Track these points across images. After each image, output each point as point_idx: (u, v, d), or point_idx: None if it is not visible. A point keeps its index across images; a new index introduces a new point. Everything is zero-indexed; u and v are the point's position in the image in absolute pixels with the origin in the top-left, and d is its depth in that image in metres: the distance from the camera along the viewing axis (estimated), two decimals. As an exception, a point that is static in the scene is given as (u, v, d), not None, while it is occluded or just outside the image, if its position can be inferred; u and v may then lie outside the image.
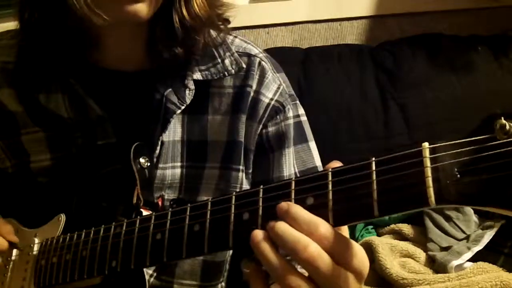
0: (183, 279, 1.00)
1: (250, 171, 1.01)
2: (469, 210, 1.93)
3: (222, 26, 0.99)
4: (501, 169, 0.48)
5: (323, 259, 0.59)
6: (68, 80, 0.96)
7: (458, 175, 0.51)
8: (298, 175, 1.02)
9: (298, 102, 1.05)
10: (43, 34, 0.93)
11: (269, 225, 0.61)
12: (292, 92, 1.05)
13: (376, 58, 2.16)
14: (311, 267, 0.59)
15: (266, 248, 0.61)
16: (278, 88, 1.02)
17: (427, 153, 0.53)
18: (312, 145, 1.05)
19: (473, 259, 1.70)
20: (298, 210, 0.60)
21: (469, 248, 1.75)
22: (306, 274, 0.62)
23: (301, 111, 1.05)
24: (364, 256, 0.62)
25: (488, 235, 1.81)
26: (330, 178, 0.59)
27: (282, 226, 0.60)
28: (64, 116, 0.96)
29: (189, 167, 0.99)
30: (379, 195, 0.55)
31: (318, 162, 1.05)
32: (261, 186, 0.65)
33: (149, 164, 0.94)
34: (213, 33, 0.98)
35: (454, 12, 2.35)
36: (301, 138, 1.03)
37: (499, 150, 0.49)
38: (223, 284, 1.04)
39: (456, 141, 0.52)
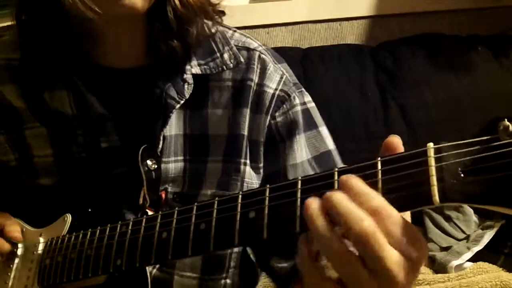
0: (184, 271, 1.01)
1: (261, 164, 1.01)
2: (469, 210, 1.93)
3: (216, 16, 0.99)
4: (503, 168, 0.49)
5: (376, 237, 0.54)
6: (71, 77, 0.97)
7: (462, 175, 0.51)
8: (312, 161, 1.02)
9: (303, 90, 1.05)
10: (41, 33, 0.94)
11: (326, 195, 0.58)
12: (296, 80, 1.05)
13: (376, 58, 2.17)
14: (362, 243, 0.54)
15: (319, 218, 0.57)
16: (281, 78, 1.02)
17: (431, 152, 0.54)
18: (323, 130, 1.05)
19: (473, 259, 1.71)
20: (355, 181, 0.57)
21: (469, 248, 1.76)
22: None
23: (308, 98, 1.05)
24: (423, 244, 0.57)
25: (488, 235, 1.82)
26: (336, 177, 0.60)
27: (338, 196, 0.57)
28: (69, 113, 0.97)
29: (192, 161, 1.00)
30: (384, 194, 0.56)
31: (331, 145, 1.04)
32: (268, 186, 0.65)
33: (156, 166, 0.95)
34: (208, 24, 0.99)
35: (454, 12, 2.36)
36: (310, 125, 1.03)
37: (502, 150, 0.49)
38: (227, 280, 1.04)
39: (460, 142, 0.52)
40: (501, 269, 1.63)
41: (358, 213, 0.55)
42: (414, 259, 0.56)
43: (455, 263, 1.69)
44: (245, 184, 1.00)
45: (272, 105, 1.00)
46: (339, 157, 1.05)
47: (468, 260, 1.71)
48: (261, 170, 1.01)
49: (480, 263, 1.65)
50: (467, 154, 0.52)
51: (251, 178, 1.01)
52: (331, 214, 0.57)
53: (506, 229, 1.86)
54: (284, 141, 1.01)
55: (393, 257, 0.55)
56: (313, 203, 0.58)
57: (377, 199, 0.56)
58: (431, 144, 0.54)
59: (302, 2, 2.22)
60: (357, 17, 2.29)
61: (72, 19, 0.89)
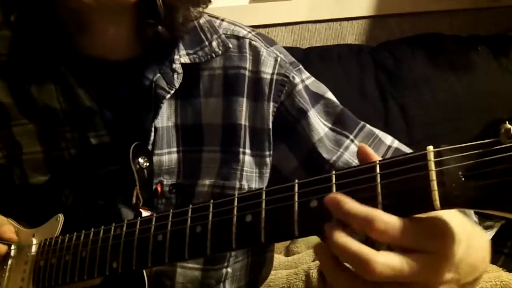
0: (187, 262, 1.01)
1: (267, 152, 1.01)
2: (469, 210, 1.92)
3: (202, 4, 0.99)
4: (505, 173, 0.48)
5: (393, 268, 0.54)
6: (59, 68, 0.96)
7: (463, 179, 0.50)
8: (335, 127, 1.02)
9: (301, 67, 1.05)
10: (30, 24, 0.93)
11: (331, 238, 0.57)
12: (292, 59, 1.05)
13: (376, 58, 2.16)
14: (385, 280, 0.54)
15: (328, 261, 0.58)
16: (276, 60, 1.02)
17: (431, 156, 0.52)
18: (329, 95, 1.05)
19: (473, 259, 1.70)
20: (348, 208, 0.56)
21: (469, 248, 1.75)
22: None
23: (306, 74, 1.05)
24: (438, 231, 0.56)
25: (488, 235, 1.81)
26: (334, 180, 0.59)
27: (342, 239, 0.56)
28: (56, 107, 0.97)
29: (186, 151, 0.99)
30: (383, 198, 0.55)
31: (340, 105, 1.05)
32: (264, 189, 0.64)
33: (148, 164, 0.94)
34: (194, 12, 0.99)
35: (454, 12, 2.36)
36: (316, 98, 1.03)
37: (503, 155, 0.48)
38: (228, 269, 1.05)
39: (461, 145, 0.51)
40: (501, 269, 1.62)
41: (361, 255, 0.54)
42: (437, 249, 0.56)
43: (455, 263, 1.67)
44: (244, 173, 1.00)
45: (273, 91, 1.00)
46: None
47: (468, 261, 1.70)
48: (267, 160, 1.01)
49: (480, 263, 1.64)
50: (468, 158, 0.50)
51: (250, 167, 1.01)
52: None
53: (506, 229, 1.85)
54: (300, 121, 1.01)
55: (414, 266, 0.55)
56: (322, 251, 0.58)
57: (378, 219, 0.54)
58: (430, 147, 0.53)
59: (302, 2, 2.21)
60: (357, 17, 2.29)
61: (63, 7, 0.88)
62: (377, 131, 1.03)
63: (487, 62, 2.16)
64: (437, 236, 0.56)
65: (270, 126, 1.00)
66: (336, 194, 0.57)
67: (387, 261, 0.54)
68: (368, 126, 1.03)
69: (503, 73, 2.16)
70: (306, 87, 1.02)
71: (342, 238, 0.56)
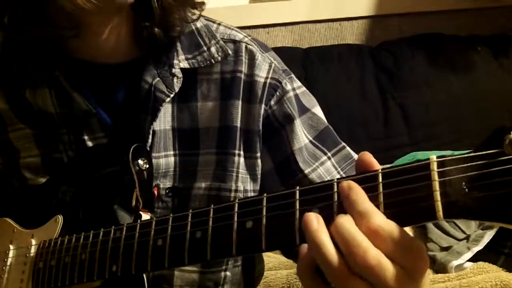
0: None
1: (258, 154, 1.01)
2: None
3: (197, 6, 0.99)
4: (509, 185, 0.47)
5: (382, 266, 0.54)
6: (53, 73, 0.96)
7: (466, 190, 0.50)
8: (314, 141, 1.03)
9: (293, 75, 1.06)
10: (23, 28, 0.92)
11: (335, 221, 0.57)
12: (285, 67, 1.05)
13: (376, 58, 2.17)
14: (365, 273, 0.55)
15: (321, 238, 0.56)
16: (270, 66, 1.02)
17: (435, 166, 0.52)
18: (317, 109, 1.06)
19: (473, 259, 1.71)
20: (355, 197, 0.56)
21: (469, 248, 1.75)
22: None
23: (297, 83, 1.06)
24: (421, 254, 0.56)
25: (488, 235, 1.81)
26: (335, 189, 0.58)
27: (343, 222, 0.56)
28: (51, 112, 0.96)
29: (182, 155, 1.00)
30: (385, 207, 0.55)
31: (326, 123, 1.06)
32: (265, 195, 0.64)
33: (148, 166, 0.94)
34: (190, 14, 0.99)
35: (454, 12, 2.36)
36: (303, 109, 1.04)
37: (507, 166, 0.48)
38: (227, 273, 1.04)
39: (464, 155, 0.51)
40: (501, 269, 1.63)
41: (361, 241, 0.54)
42: (411, 269, 0.56)
43: (455, 263, 1.68)
44: (239, 175, 1.00)
45: (265, 94, 1.00)
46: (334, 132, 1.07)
47: (468, 260, 1.70)
48: (258, 161, 1.02)
49: (480, 263, 1.65)
50: (472, 168, 0.50)
51: (245, 169, 1.01)
52: (333, 236, 0.56)
53: (506, 229, 1.84)
54: (285, 127, 1.01)
55: (393, 273, 0.54)
56: (313, 221, 0.57)
57: (376, 218, 0.55)
58: (434, 157, 0.53)
59: (302, 2, 2.22)
60: (357, 17, 2.30)
61: (59, 10, 0.88)
62: (355, 155, 1.04)
63: (487, 62, 2.17)
64: (419, 258, 0.56)
65: (260, 128, 1.00)
66: (352, 182, 0.58)
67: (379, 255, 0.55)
68: (347, 148, 1.05)
69: (503, 73, 2.16)
70: (297, 96, 1.03)
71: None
